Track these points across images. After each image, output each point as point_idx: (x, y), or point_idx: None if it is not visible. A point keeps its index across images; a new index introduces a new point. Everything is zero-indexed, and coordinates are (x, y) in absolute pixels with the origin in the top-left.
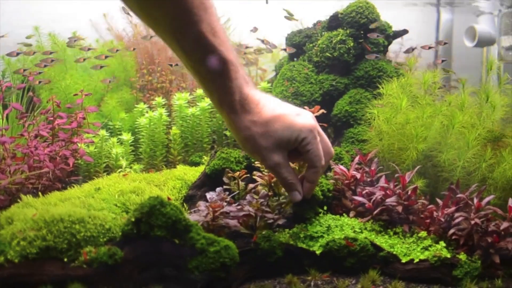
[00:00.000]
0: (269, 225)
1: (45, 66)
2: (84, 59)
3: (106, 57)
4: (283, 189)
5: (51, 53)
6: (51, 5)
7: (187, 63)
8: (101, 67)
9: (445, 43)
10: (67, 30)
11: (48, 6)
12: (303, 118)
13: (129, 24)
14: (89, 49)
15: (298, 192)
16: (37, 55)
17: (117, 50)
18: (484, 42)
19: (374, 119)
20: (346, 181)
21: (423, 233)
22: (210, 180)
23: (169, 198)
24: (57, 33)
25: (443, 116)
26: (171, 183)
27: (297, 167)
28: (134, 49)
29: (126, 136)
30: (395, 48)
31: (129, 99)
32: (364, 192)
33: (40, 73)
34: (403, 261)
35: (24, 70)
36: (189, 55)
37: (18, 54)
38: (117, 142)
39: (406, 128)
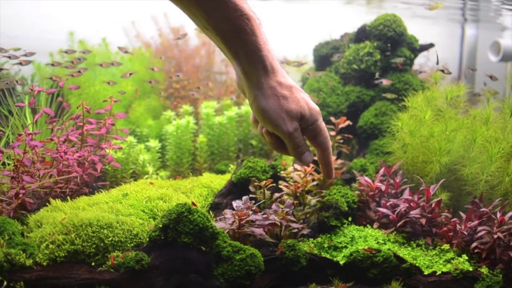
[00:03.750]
0: (294, 234)
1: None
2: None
3: (130, 74)
4: (308, 199)
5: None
6: (81, 10)
7: (209, 25)
8: (130, 74)
9: (472, 69)
10: (96, 35)
11: (78, 11)
12: (314, 103)
13: (157, 32)
14: (126, 51)
15: (309, 154)
16: (67, 60)
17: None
18: (509, 56)
19: (398, 131)
20: (371, 193)
21: (445, 246)
22: (236, 188)
23: (194, 204)
24: (86, 38)
25: (466, 130)
26: (197, 190)
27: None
28: (160, 57)
29: (153, 143)
30: (421, 61)
31: (157, 106)
32: (388, 204)
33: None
34: (426, 273)
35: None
36: (210, 14)
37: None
38: (144, 149)
39: (430, 141)
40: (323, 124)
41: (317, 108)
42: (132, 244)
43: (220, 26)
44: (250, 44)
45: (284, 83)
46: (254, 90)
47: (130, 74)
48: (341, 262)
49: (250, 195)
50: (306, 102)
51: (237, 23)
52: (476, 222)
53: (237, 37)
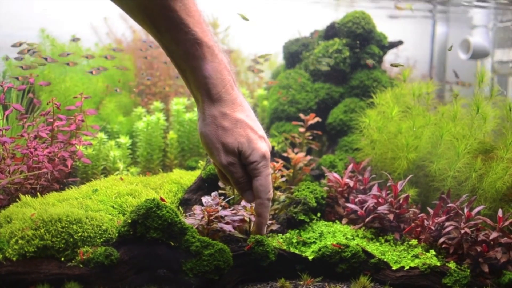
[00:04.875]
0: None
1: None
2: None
3: (98, 69)
4: (277, 195)
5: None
6: (53, 8)
7: (161, 43)
8: (98, 69)
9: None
10: (67, 33)
11: (50, 9)
12: (263, 143)
13: (129, 29)
14: (92, 57)
15: (251, 193)
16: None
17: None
18: (478, 54)
19: (366, 128)
20: (340, 189)
21: (413, 241)
22: (206, 184)
23: (162, 199)
24: (56, 36)
25: (434, 126)
26: (167, 186)
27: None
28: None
29: (124, 139)
30: (391, 58)
31: (127, 103)
32: (356, 199)
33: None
34: (394, 268)
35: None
36: (162, 34)
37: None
38: (115, 145)
39: (398, 137)
40: (266, 171)
41: (263, 151)
42: (101, 240)
43: (170, 46)
44: (197, 69)
45: (229, 115)
46: (198, 112)
47: (99, 69)
48: (310, 258)
49: (220, 191)
50: (250, 140)
51: (186, 46)
52: (443, 217)
53: (185, 61)
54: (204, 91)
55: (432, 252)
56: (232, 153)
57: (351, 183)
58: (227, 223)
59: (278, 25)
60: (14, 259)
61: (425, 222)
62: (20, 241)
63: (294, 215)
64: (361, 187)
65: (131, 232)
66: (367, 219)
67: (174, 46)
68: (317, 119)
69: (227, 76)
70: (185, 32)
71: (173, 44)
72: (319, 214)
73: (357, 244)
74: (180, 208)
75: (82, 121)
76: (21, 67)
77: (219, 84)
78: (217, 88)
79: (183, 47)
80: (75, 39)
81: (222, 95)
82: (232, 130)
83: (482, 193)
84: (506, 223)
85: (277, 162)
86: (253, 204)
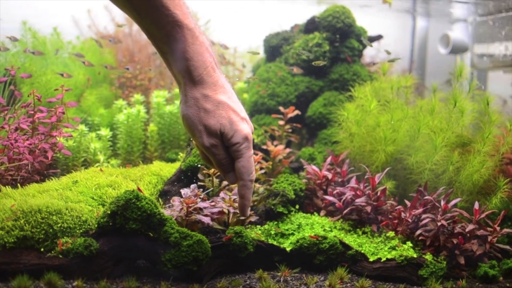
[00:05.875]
0: (242, 221)
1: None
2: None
3: (84, 62)
4: (256, 187)
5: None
6: (34, 0)
7: (142, 26)
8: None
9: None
10: (49, 26)
11: (31, 1)
12: (245, 125)
13: (111, 22)
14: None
15: (233, 174)
16: (19, 50)
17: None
18: (458, 49)
19: (344, 121)
20: (318, 181)
21: (391, 233)
22: (186, 176)
23: (139, 189)
24: (38, 28)
25: (412, 120)
26: (147, 178)
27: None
28: (110, 40)
29: (105, 132)
30: (372, 53)
31: (108, 95)
32: (335, 192)
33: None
34: (371, 259)
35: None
36: (142, 16)
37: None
38: (96, 137)
39: (376, 130)
40: (248, 152)
41: (245, 132)
42: (81, 231)
43: (151, 29)
44: (177, 52)
45: (211, 97)
46: (180, 95)
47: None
48: (288, 249)
49: (199, 183)
50: (232, 122)
51: (167, 29)
52: (420, 210)
53: (166, 44)
54: (186, 73)
55: (409, 244)
56: (215, 135)
57: (330, 176)
58: (205, 215)
59: (259, 19)
60: None
61: (402, 214)
62: None
63: (272, 207)
64: (340, 180)
65: (111, 223)
66: (345, 211)
67: (154, 29)
68: (297, 112)
69: (208, 58)
70: (166, 15)
71: (154, 27)
72: (297, 206)
73: (334, 236)
74: (160, 200)
75: (63, 113)
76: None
77: (201, 66)
78: (198, 70)
79: (163, 30)
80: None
81: (203, 77)
82: (214, 112)
83: (459, 186)
84: (482, 215)
85: (257, 154)
86: (233, 196)
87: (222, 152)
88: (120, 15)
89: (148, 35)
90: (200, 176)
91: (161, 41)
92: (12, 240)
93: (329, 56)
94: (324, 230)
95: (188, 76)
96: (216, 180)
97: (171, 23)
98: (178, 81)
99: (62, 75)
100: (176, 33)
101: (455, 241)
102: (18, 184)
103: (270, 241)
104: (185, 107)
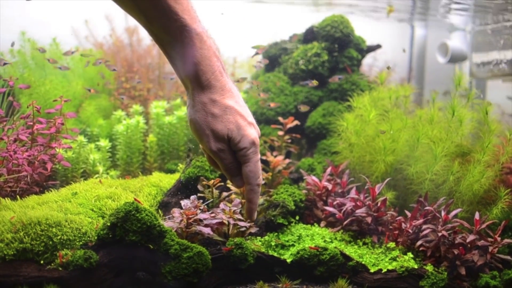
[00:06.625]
0: (242, 233)
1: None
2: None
3: (59, 68)
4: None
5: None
6: (33, 10)
7: (150, 31)
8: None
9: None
10: (47, 36)
11: (30, 11)
12: (252, 130)
13: (110, 32)
14: (72, 52)
15: (240, 178)
16: (18, 60)
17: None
18: (456, 58)
19: (344, 131)
20: (318, 192)
21: (391, 244)
22: (185, 187)
23: (137, 200)
24: (37, 38)
25: (411, 129)
26: (146, 189)
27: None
28: (106, 61)
29: (104, 143)
30: (369, 62)
31: (107, 106)
32: (335, 202)
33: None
34: (372, 271)
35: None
36: (150, 21)
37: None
38: (95, 148)
39: (376, 140)
40: (255, 157)
41: (252, 137)
42: (80, 243)
43: (159, 33)
44: (185, 56)
45: (218, 102)
46: (188, 99)
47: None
48: (288, 260)
49: (199, 194)
50: (240, 127)
51: (175, 34)
52: (421, 220)
53: (174, 48)
54: (194, 78)
55: (410, 255)
56: (222, 139)
57: (330, 186)
58: (205, 226)
59: (257, 28)
60: None
61: (403, 225)
62: None
63: (272, 218)
64: (340, 190)
65: (110, 235)
66: (345, 222)
67: (162, 34)
68: (296, 122)
69: (216, 63)
70: (174, 20)
71: (162, 31)
72: (297, 217)
73: (335, 247)
74: (160, 211)
75: (62, 124)
76: None
77: (208, 71)
78: (206, 75)
79: (171, 35)
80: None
81: (211, 81)
82: (222, 117)
83: (459, 196)
84: (483, 226)
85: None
86: (233, 208)
87: (229, 157)
88: (120, 25)
89: (156, 40)
90: (199, 187)
91: (169, 46)
92: (12, 253)
93: (328, 65)
94: (325, 241)
95: (196, 80)
96: (216, 191)
97: (179, 27)
98: (185, 86)
99: (89, 90)
100: (184, 37)
101: (456, 251)
102: (17, 196)
103: (271, 252)
104: (193, 111)
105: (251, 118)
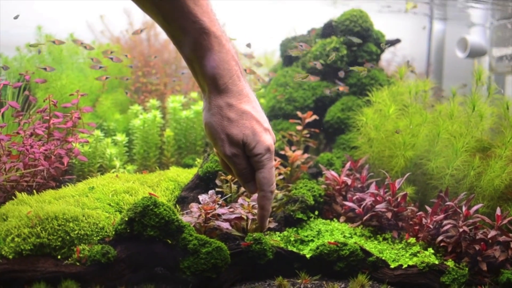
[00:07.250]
0: (260, 228)
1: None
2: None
3: (100, 67)
4: (276, 193)
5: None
6: (50, 5)
7: (168, 32)
8: (100, 67)
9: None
10: (64, 31)
11: (47, 6)
12: (268, 136)
13: (128, 26)
14: (91, 48)
15: (253, 184)
16: (34, 55)
17: (111, 52)
18: (476, 53)
19: (363, 126)
20: (337, 187)
21: (412, 240)
22: (203, 182)
23: (152, 194)
24: (54, 33)
25: (431, 124)
26: (164, 184)
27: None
28: (126, 55)
29: (120, 137)
30: (388, 56)
31: (124, 100)
32: (354, 198)
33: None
34: (392, 266)
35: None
36: (169, 22)
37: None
38: (111, 143)
39: (395, 135)
40: (269, 163)
41: (268, 144)
42: (98, 238)
43: (177, 36)
44: (204, 60)
45: (235, 106)
46: (204, 101)
47: (100, 67)
48: (308, 256)
49: (217, 189)
50: (255, 132)
51: (194, 36)
52: (441, 216)
53: (192, 51)
54: (211, 81)
55: (431, 250)
56: (237, 144)
57: (349, 181)
58: (224, 220)
59: (274, 22)
60: (10, 257)
61: (423, 220)
62: (16, 239)
63: (291, 213)
64: (359, 185)
65: (128, 230)
66: (365, 217)
67: (181, 36)
68: (315, 117)
69: (234, 67)
70: (193, 22)
71: (180, 33)
72: (316, 212)
73: (355, 243)
74: (177, 206)
75: (79, 118)
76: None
77: (226, 75)
78: (224, 79)
79: (190, 37)
80: (75, 41)
81: (228, 85)
82: (238, 122)
83: (480, 191)
84: (505, 221)
85: (275, 160)
86: (251, 202)
87: (243, 162)
88: (137, 20)
89: (174, 42)
90: (217, 182)
91: (187, 48)
92: (29, 248)
93: (347, 60)
94: (344, 236)
95: (213, 84)
96: (234, 186)
97: (198, 30)
98: (202, 88)
99: (106, 78)
100: (203, 40)
101: (477, 247)
102: (34, 191)
103: (290, 247)
104: (209, 114)
105: (267, 124)
